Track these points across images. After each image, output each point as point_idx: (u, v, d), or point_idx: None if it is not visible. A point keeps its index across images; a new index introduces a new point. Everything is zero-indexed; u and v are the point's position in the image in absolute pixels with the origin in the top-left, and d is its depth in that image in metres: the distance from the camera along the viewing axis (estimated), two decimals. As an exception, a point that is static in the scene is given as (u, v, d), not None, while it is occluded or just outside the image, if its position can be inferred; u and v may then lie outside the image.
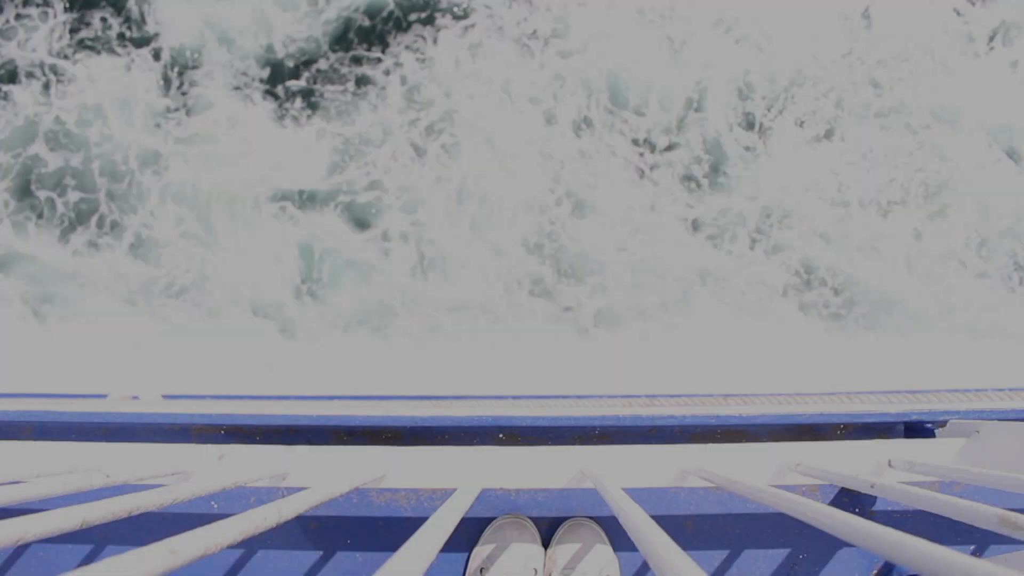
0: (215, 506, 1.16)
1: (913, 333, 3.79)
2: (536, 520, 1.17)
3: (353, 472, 1.05)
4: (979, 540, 1.18)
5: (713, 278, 3.81)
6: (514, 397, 1.73)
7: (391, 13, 3.91)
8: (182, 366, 3.69)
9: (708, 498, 1.17)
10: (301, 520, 1.17)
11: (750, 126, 3.96)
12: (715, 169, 3.91)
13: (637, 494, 0.81)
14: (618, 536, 1.16)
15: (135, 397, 1.69)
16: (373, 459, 1.13)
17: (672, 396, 1.62)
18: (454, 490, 0.94)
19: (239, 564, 1.17)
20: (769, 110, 3.96)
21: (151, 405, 1.59)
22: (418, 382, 3.59)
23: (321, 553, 1.18)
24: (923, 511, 0.89)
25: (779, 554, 1.17)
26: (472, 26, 3.91)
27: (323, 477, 1.11)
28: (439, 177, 3.81)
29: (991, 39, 4.04)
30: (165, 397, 1.72)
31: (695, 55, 3.96)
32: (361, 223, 3.80)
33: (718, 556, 1.17)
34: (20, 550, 1.19)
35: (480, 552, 1.13)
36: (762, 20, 4.01)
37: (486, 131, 3.87)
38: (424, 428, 1.30)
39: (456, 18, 3.91)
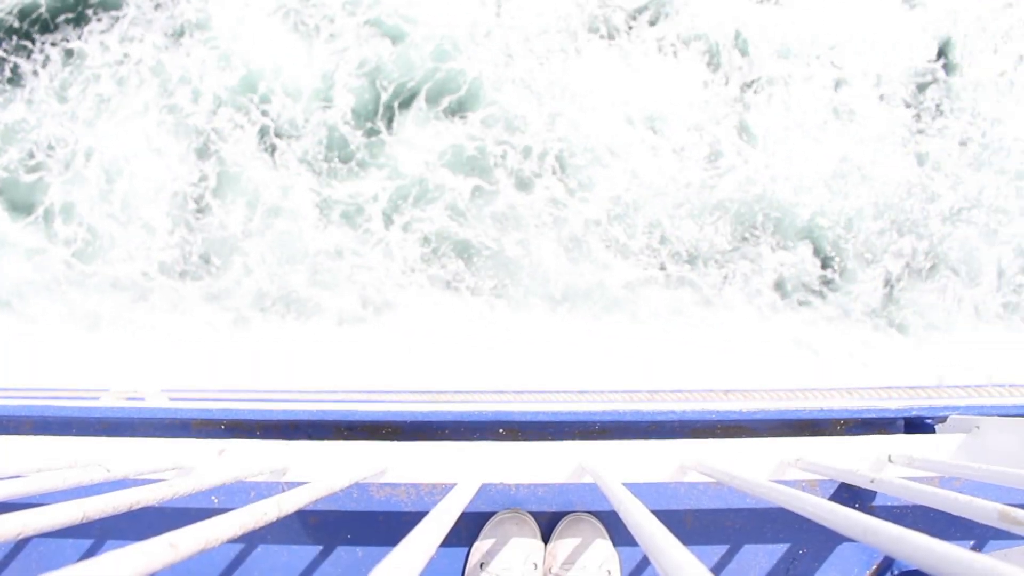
0: (215, 501, 1.16)
1: (563, 310, 3.83)
2: (536, 515, 1.18)
3: (353, 467, 1.05)
4: (979, 535, 1.18)
5: (349, 257, 3.88)
6: (514, 392, 1.73)
7: (40, 15, 4.11)
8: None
9: (708, 493, 1.17)
10: (301, 515, 1.18)
11: (381, 107, 4.03)
12: (345, 150, 3.99)
13: (637, 489, 0.81)
14: (618, 531, 1.17)
15: (135, 392, 1.69)
16: (373, 454, 1.13)
17: (673, 391, 1.62)
18: (454, 485, 0.94)
19: (239, 559, 1.18)
20: (400, 91, 4.03)
21: (151, 400, 1.59)
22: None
23: (321, 548, 1.18)
24: (923, 506, 0.89)
25: (779, 549, 1.17)
26: (123, 17, 4.11)
27: (323, 472, 1.11)
28: (89, 152, 3.95)
29: (633, 20, 4.10)
30: (165, 392, 1.73)
31: (329, 40, 4.06)
32: (24, 204, 3.94)
33: (718, 551, 1.17)
34: (21, 544, 1.20)
35: (480, 547, 1.13)
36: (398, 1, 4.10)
37: (134, 111, 4.04)
38: (424, 423, 1.30)
39: (107, 10, 4.11)
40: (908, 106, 4.06)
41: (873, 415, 1.29)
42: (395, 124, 3.98)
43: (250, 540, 1.18)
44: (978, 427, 1.13)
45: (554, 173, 3.93)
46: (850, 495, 1.16)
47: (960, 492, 0.71)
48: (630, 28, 4.07)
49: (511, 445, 1.15)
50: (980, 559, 0.39)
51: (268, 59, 4.02)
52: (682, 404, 1.32)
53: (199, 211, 3.91)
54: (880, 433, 1.30)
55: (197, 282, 3.85)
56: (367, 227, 3.87)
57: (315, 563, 1.18)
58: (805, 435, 1.29)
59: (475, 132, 3.95)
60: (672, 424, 1.30)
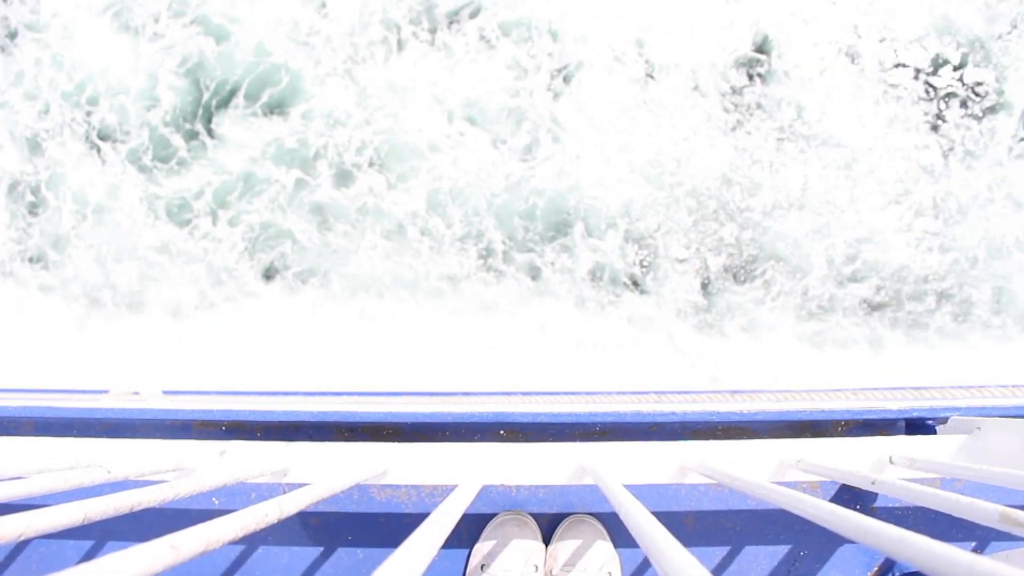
0: (216, 502, 1.16)
1: (390, 299, 3.84)
2: (537, 516, 1.18)
3: (354, 468, 1.05)
4: (980, 537, 1.18)
5: (176, 253, 3.92)
6: (515, 393, 1.73)
7: None
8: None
9: (709, 495, 1.17)
10: (302, 516, 1.18)
11: (203, 104, 4.05)
12: (169, 148, 4.01)
13: (638, 490, 0.81)
14: (619, 532, 1.16)
15: (136, 393, 1.69)
16: (374, 455, 1.13)
17: (674, 392, 1.62)
18: (455, 486, 0.94)
19: (240, 560, 1.18)
20: (221, 88, 4.06)
21: (152, 401, 1.59)
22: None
23: (322, 549, 1.18)
24: (924, 508, 0.89)
25: (780, 551, 1.17)
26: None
27: (324, 473, 1.11)
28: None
29: (455, 13, 4.11)
30: (166, 393, 1.73)
31: (154, 39, 4.10)
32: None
33: (719, 552, 1.17)
34: (22, 546, 1.20)
35: (481, 548, 1.13)
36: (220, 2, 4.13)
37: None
38: (425, 424, 1.30)
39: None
40: (726, 99, 4.04)
41: (874, 416, 1.29)
42: (218, 120, 4.02)
43: (251, 542, 1.18)
44: (979, 428, 1.13)
45: (372, 165, 3.96)
46: (851, 496, 1.16)
47: (961, 493, 0.71)
48: (451, 21, 4.09)
49: (512, 446, 1.15)
50: (981, 561, 0.39)
51: (97, 59, 4.07)
52: (683, 405, 1.32)
53: (35, 206, 3.98)
54: (881, 434, 1.30)
55: (36, 276, 3.92)
56: (195, 223, 3.93)
57: (316, 565, 1.18)
58: (806, 436, 1.29)
59: (296, 127, 3.99)
60: (673, 425, 1.30)
